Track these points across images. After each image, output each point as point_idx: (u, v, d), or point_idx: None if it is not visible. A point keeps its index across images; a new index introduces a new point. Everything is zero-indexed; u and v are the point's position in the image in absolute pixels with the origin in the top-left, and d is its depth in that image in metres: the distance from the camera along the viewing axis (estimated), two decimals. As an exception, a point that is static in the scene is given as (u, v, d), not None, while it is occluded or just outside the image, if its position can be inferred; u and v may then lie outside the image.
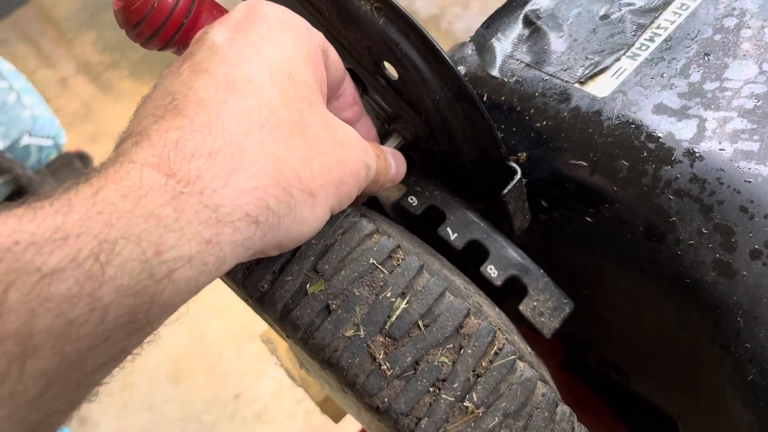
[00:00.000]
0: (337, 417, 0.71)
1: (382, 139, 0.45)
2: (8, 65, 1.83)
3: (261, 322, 0.88)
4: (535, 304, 0.42)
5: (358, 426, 0.80)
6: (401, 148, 0.44)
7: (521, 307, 0.41)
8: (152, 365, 1.95)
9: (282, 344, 0.72)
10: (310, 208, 0.28)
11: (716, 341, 0.36)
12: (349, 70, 0.44)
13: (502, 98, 0.45)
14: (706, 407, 0.41)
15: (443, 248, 0.43)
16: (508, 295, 0.43)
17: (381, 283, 0.32)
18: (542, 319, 0.42)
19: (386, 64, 0.40)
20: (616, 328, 0.47)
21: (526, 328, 0.44)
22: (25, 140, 1.71)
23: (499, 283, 0.41)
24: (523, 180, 0.43)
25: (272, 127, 0.27)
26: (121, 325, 0.21)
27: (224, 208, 0.24)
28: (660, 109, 0.40)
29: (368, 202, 0.51)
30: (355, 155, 0.32)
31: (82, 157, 2.28)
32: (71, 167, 2.21)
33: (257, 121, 0.26)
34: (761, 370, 0.33)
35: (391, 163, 0.39)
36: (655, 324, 0.42)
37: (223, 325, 1.97)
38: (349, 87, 0.39)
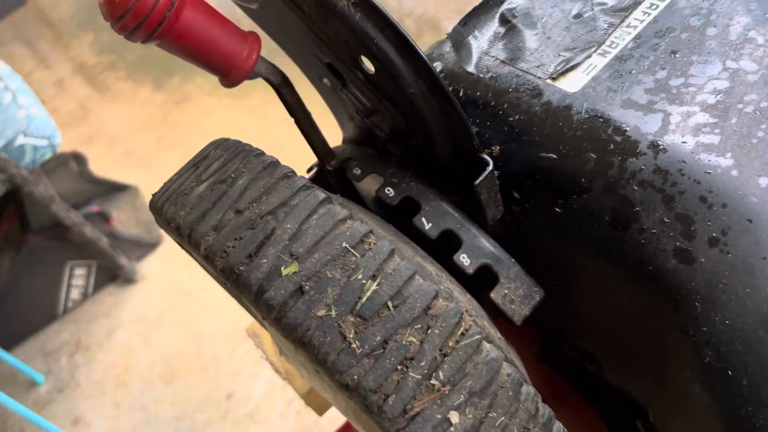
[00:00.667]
0: (321, 409, 0.72)
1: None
2: (4, 66, 1.84)
3: (253, 324, 0.89)
4: (506, 291, 0.43)
5: (343, 420, 0.81)
6: (372, 138, 0.45)
7: (492, 295, 0.43)
8: (145, 365, 1.96)
9: (268, 338, 0.74)
10: None
11: (676, 326, 0.38)
12: (328, 65, 0.45)
13: (478, 93, 0.47)
14: (672, 393, 0.42)
15: (419, 239, 0.44)
16: (482, 287, 0.45)
17: (353, 266, 0.34)
18: (513, 306, 0.43)
19: (363, 59, 0.41)
20: (587, 318, 0.49)
21: (503, 321, 0.46)
22: (20, 140, 1.72)
23: (471, 271, 0.42)
24: (496, 172, 0.44)
25: None
26: None
27: None
28: (627, 103, 0.41)
29: (350, 195, 0.53)
30: None
31: (78, 158, 2.29)
32: (66, 168, 2.22)
33: None
34: (717, 352, 0.35)
35: None
36: (622, 312, 0.43)
37: (215, 326, 1.98)
38: None
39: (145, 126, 2.77)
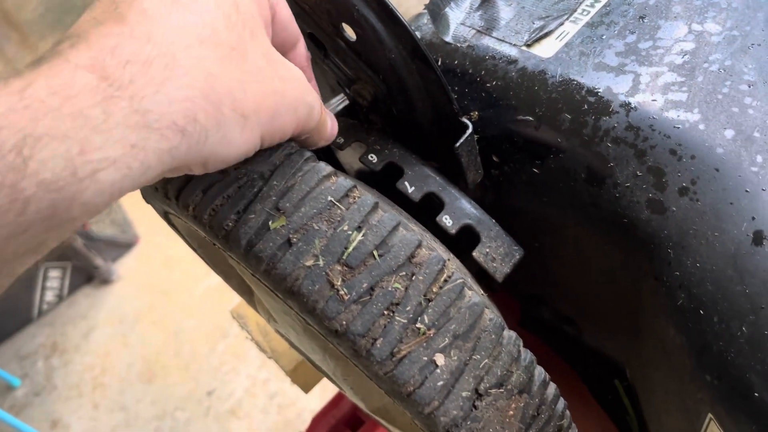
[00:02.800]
0: (307, 386, 0.73)
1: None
2: (-28, 65, 1.81)
3: (232, 321, 0.89)
4: (487, 250, 0.44)
5: (327, 399, 0.82)
6: (354, 110, 0.46)
7: (474, 253, 0.44)
8: (123, 366, 1.94)
9: (252, 318, 0.74)
10: (240, 130, 0.29)
11: (651, 274, 0.39)
12: (310, 35, 0.46)
13: (456, 62, 0.48)
14: (647, 344, 0.44)
15: (401, 205, 0.45)
16: (463, 248, 0.46)
17: (338, 218, 0.35)
18: (494, 264, 0.44)
19: (345, 26, 0.42)
20: (566, 279, 0.50)
21: (485, 289, 0.47)
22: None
23: (453, 231, 0.44)
24: (476, 137, 0.46)
25: (211, 45, 0.27)
26: (41, 218, 0.21)
27: (152, 114, 0.24)
28: (599, 66, 0.43)
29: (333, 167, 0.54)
30: (295, 91, 0.32)
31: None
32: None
33: (198, 37, 0.27)
34: (689, 294, 0.36)
35: (329, 121, 0.39)
36: (600, 269, 0.45)
37: (194, 324, 1.97)
38: (302, 51, 0.40)
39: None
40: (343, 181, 0.36)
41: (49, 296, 2.08)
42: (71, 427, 1.83)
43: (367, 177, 0.49)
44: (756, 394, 0.33)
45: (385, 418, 0.51)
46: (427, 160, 0.47)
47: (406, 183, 0.45)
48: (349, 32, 0.43)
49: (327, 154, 0.52)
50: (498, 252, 0.45)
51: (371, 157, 0.46)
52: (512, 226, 0.47)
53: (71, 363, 1.99)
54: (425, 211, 0.46)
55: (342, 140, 0.48)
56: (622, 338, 0.49)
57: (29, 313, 2.06)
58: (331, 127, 0.40)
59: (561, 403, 0.39)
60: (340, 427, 0.76)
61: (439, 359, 0.34)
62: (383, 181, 0.46)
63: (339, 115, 0.54)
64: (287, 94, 0.32)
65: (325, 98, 0.57)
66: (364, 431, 0.75)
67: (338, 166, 0.56)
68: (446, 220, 0.44)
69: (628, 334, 0.47)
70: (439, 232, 0.45)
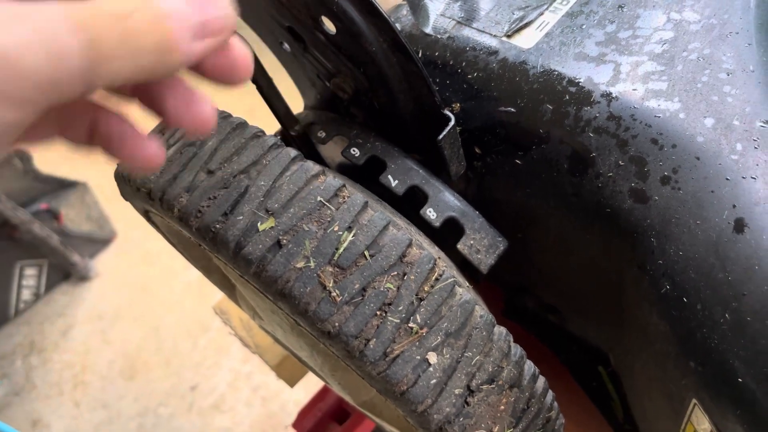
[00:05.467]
0: (292, 380, 0.73)
1: None
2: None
3: (214, 315, 0.88)
4: (471, 242, 0.44)
5: (312, 391, 0.82)
6: (335, 103, 0.46)
7: (459, 246, 0.44)
8: (104, 363, 1.92)
9: (235, 314, 0.74)
10: None
11: (634, 263, 0.40)
12: (288, 28, 0.46)
13: (436, 54, 0.48)
14: (630, 331, 0.44)
15: (385, 198, 0.45)
16: (447, 241, 0.46)
17: (328, 219, 0.34)
18: (479, 256, 0.44)
19: (324, 19, 0.42)
20: (548, 269, 0.51)
21: (470, 279, 0.47)
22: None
23: (437, 224, 0.44)
24: (458, 129, 0.46)
25: None
26: None
27: None
28: (580, 56, 0.43)
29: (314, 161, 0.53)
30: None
31: (22, 156, 2.21)
32: (11, 166, 2.14)
33: None
34: (672, 282, 0.37)
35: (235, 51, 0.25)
36: (582, 258, 0.46)
37: (175, 319, 1.96)
38: None
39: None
40: (332, 181, 0.35)
41: (26, 295, 2.04)
42: (52, 426, 1.81)
43: (348, 170, 0.49)
44: (739, 380, 0.34)
45: (372, 412, 0.51)
46: (409, 153, 0.47)
47: (390, 176, 0.45)
48: (329, 25, 0.42)
49: (308, 148, 0.52)
50: (482, 244, 0.45)
51: (353, 150, 0.46)
52: (495, 217, 0.47)
53: (50, 361, 1.96)
54: (408, 203, 0.46)
55: (324, 134, 0.48)
56: (605, 326, 0.50)
57: (6, 312, 2.02)
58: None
59: (549, 395, 0.40)
60: (327, 419, 0.76)
61: (432, 358, 0.34)
62: (365, 175, 0.46)
63: (318, 109, 0.53)
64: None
65: (305, 91, 0.56)
66: (351, 423, 0.75)
67: (319, 160, 0.55)
68: (430, 213, 0.44)
69: (611, 322, 0.48)
70: (423, 225, 0.45)
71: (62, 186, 2.21)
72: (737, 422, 0.34)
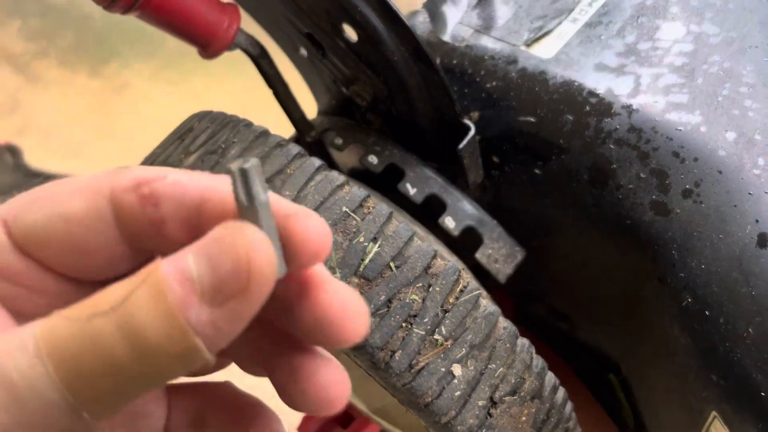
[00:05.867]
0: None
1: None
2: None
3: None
4: (490, 251, 0.44)
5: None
6: (351, 109, 0.46)
7: (477, 255, 0.44)
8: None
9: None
10: None
11: (654, 275, 0.40)
12: (308, 35, 0.45)
13: (454, 62, 0.48)
14: (648, 342, 0.45)
15: (402, 205, 0.45)
16: (464, 249, 0.46)
17: (354, 230, 0.34)
18: (497, 266, 0.44)
19: (345, 27, 0.42)
20: (563, 278, 0.51)
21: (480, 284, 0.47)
22: (-50, 131, 1.63)
23: (456, 233, 0.44)
24: (477, 136, 0.46)
25: None
26: None
27: None
28: (599, 67, 0.43)
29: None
30: None
31: (12, 150, 2.19)
32: (1, 160, 2.12)
33: None
34: (694, 295, 0.37)
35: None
36: (599, 268, 0.46)
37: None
38: None
39: (82, 115, 2.65)
40: (357, 191, 0.35)
41: None
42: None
43: (360, 177, 0.49)
44: (762, 394, 0.34)
45: (385, 419, 0.51)
46: (426, 161, 0.47)
47: (408, 185, 0.45)
48: (350, 33, 0.42)
49: (322, 155, 0.52)
50: (500, 253, 0.45)
51: (371, 158, 0.46)
52: (510, 225, 0.47)
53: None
54: (425, 212, 0.45)
55: (341, 141, 0.48)
56: (618, 335, 0.50)
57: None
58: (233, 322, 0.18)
59: (569, 406, 0.40)
60: (331, 423, 0.76)
61: (457, 370, 0.34)
62: (382, 183, 0.46)
63: (333, 114, 0.53)
64: None
65: (319, 96, 0.56)
66: (355, 427, 0.75)
67: (332, 166, 0.55)
68: (449, 222, 0.44)
69: (625, 332, 0.48)
70: (440, 234, 0.45)
71: (50, 181, 2.18)
72: (759, 436, 0.34)
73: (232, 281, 0.17)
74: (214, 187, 0.20)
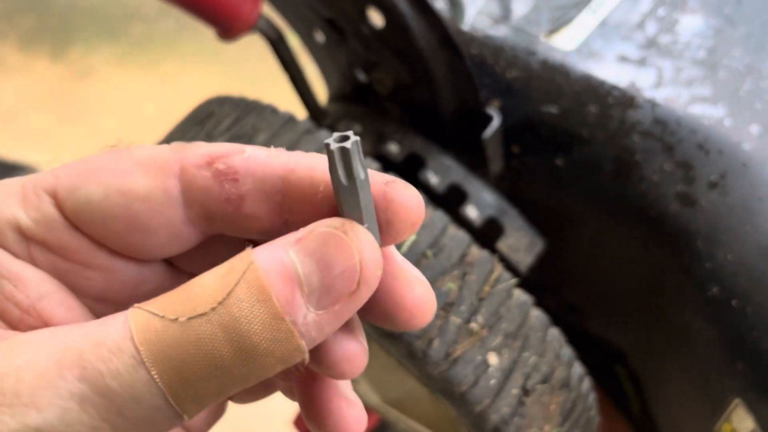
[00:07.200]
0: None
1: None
2: None
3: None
4: (511, 241, 0.44)
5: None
6: (366, 96, 0.45)
7: (499, 245, 0.44)
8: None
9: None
10: None
11: (678, 267, 0.40)
12: (328, 20, 0.45)
13: (473, 52, 0.47)
14: (663, 335, 0.45)
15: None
16: (484, 238, 0.46)
17: (388, 217, 0.34)
18: (518, 256, 0.44)
19: (370, 13, 0.41)
20: (577, 269, 0.51)
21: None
22: None
23: (479, 222, 0.44)
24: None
25: None
26: None
27: None
28: (622, 59, 0.43)
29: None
30: None
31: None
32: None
33: None
34: (722, 286, 0.37)
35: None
36: (618, 261, 0.46)
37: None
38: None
39: (43, 102, 2.57)
40: (390, 178, 0.35)
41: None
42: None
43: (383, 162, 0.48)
44: (789, 382, 0.35)
45: (400, 409, 0.51)
46: (445, 150, 0.47)
47: (430, 173, 0.44)
48: (376, 19, 0.41)
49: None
50: (521, 243, 0.45)
51: (392, 146, 0.45)
52: (527, 216, 0.47)
53: None
54: (444, 201, 0.45)
55: (360, 129, 0.47)
56: (630, 327, 0.50)
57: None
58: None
59: (592, 395, 0.40)
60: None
61: (492, 358, 0.34)
62: (402, 171, 0.46)
63: (345, 101, 0.52)
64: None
65: (331, 83, 0.55)
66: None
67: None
68: (471, 212, 0.44)
69: (638, 324, 0.48)
70: (461, 223, 0.44)
71: (11, 170, 2.12)
72: (785, 423, 0.35)
73: (343, 284, 0.16)
74: (297, 162, 0.18)
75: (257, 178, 0.18)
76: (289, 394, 0.22)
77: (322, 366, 0.19)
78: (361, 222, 0.17)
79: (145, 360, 0.16)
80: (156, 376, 0.16)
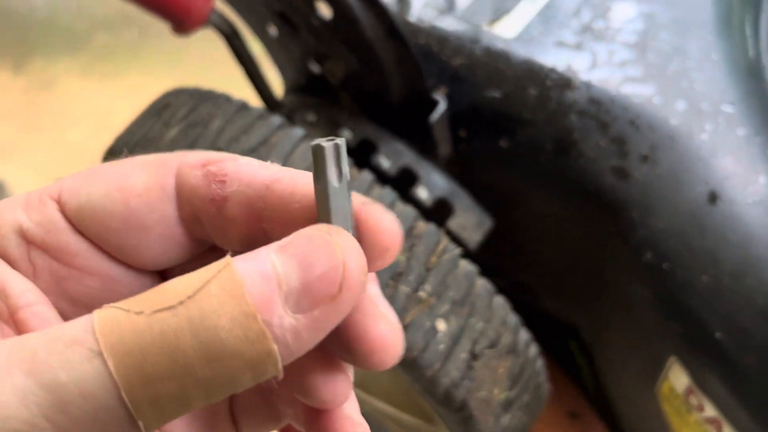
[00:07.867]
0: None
1: None
2: None
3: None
4: (460, 220, 0.47)
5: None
6: (319, 88, 0.47)
7: (449, 224, 0.46)
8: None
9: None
10: None
11: (617, 236, 0.43)
12: (280, 14, 0.46)
13: (420, 41, 0.49)
14: (607, 303, 0.48)
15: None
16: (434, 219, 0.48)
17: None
18: (467, 234, 0.47)
19: (319, 5, 0.43)
20: (526, 249, 0.54)
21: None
22: None
23: (430, 203, 0.46)
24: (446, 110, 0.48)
25: None
26: None
27: None
28: (559, 44, 0.46)
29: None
30: None
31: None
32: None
33: None
34: (654, 251, 0.40)
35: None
36: (563, 236, 0.49)
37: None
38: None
39: (6, 114, 2.53)
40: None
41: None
42: None
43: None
44: (716, 335, 0.37)
45: (364, 389, 0.53)
46: (396, 135, 0.49)
47: (382, 157, 0.46)
48: (324, 11, 0.43)
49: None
50: (470, 221, 0.47)
51: (345, 133, 0.47)
52: (477, 197, 0.49)
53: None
54: (396, 184, 0.47)
55: (315, 118, 0.49)
56: (578, 301, 0.53)
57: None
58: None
59: (539, 362, 0.42)
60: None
61: (440, 325, 0.36)
62: (354, 156, 0.47)
63: (301, 93, 0.54)
64: None
65: (287, 76, 0.57)
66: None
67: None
68: (422, 193, 0.46)
69: (586, 297, 0.51)
70: (413, 203, 0.46)
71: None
72: (714, 374, 0.37)
73: (324, 286, 0.15)
74: (284, 173, 0.18)
75: (243, 183, 0.19)
76: (300, 424, 0.21)
77: (302, 390, 0.18)
78: (346, 228, 0.16)
79: (103, 350, 0.15)
80: (112, 367, 0.15)
